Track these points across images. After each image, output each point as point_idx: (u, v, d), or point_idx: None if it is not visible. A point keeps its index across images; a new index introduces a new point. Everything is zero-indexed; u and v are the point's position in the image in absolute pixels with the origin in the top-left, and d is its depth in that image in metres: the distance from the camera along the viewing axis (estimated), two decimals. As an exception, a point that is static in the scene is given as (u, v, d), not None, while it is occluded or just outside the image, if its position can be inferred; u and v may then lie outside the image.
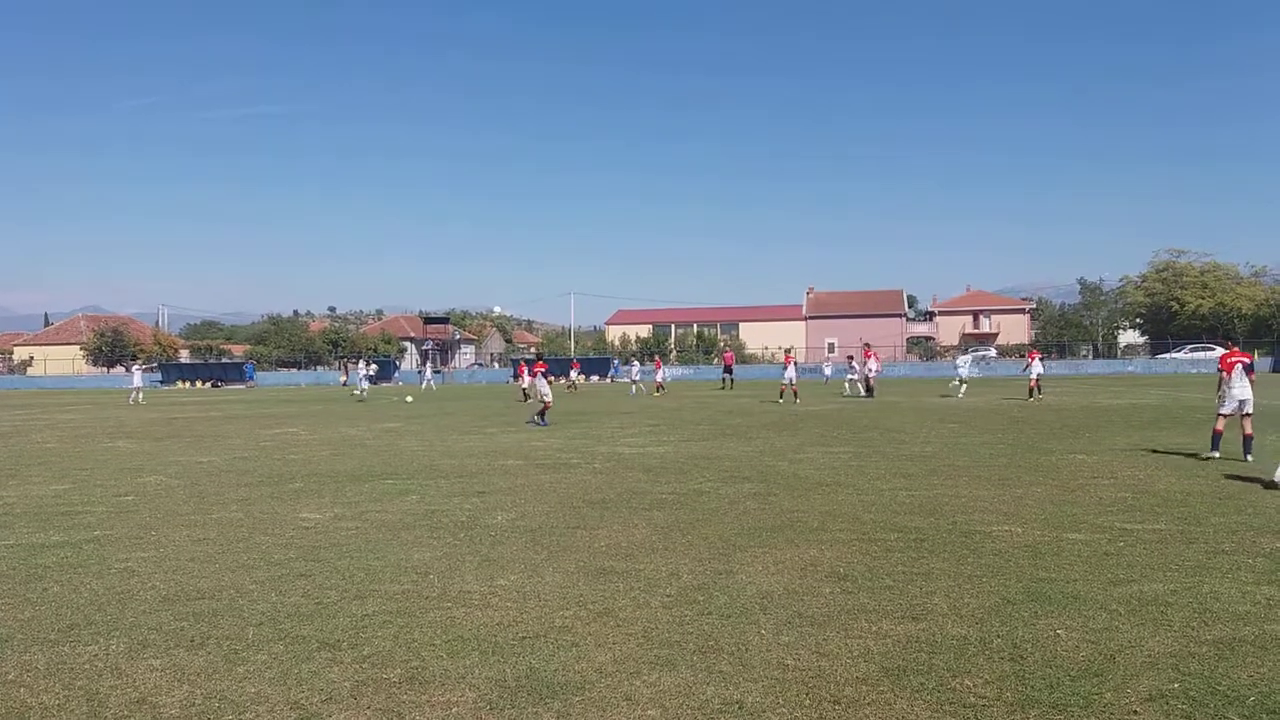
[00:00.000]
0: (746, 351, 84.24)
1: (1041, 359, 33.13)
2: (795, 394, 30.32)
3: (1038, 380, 31.04)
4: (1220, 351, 62.33)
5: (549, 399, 22.63)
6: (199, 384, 75.76)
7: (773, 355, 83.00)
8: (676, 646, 5.09)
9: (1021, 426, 19.06)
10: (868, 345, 38.05)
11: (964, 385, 33.80)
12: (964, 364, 35.41)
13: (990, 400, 30.32)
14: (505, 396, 37.21)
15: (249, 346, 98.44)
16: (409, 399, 38.52)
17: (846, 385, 38.18)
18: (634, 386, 44.24)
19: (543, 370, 23.33)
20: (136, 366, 48.94)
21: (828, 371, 53.71)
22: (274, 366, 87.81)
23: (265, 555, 7.60)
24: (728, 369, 46.86)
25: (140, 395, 42.51)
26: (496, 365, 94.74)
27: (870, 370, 33.77)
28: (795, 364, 31.60)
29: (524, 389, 36.06)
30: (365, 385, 41.35)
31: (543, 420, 21.94)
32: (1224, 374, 13.32)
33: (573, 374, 50.14)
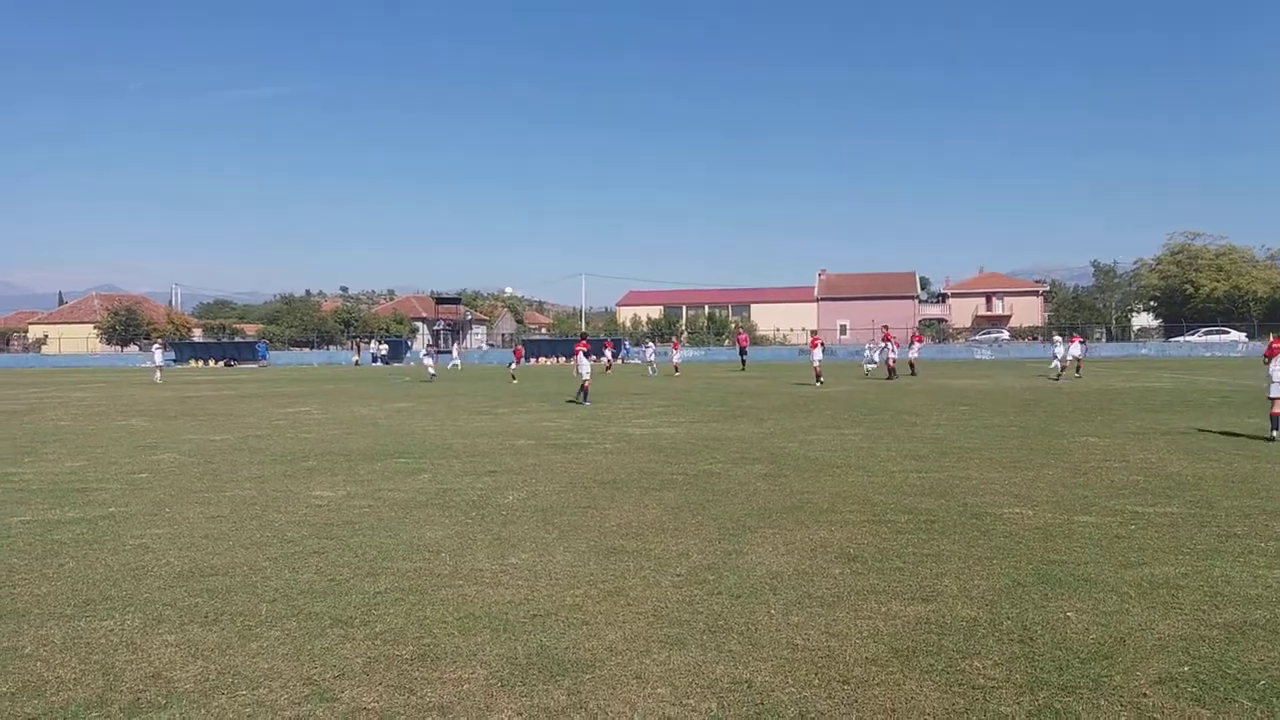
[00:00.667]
0: (758, 333, 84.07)
1: (1083, 343, 35.23)
2: (818, 376, 30.01)
3: (1068, 361, 32.73)
4: (1235, 335, 61.76)
5: (586, 378, 22.86)
6: (212, 363, 76.06)
7: (784, 337, 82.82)
8: (686, 625, 5.12)
9: (1033, 409, 18.99)
10: (886, 328, 38.13)
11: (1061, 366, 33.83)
12: (1060, 342, 35.52)
13: (1002, 382, 30.22)
14: (519, 377, 37.24)
15: (261, 326, 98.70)
16: (432, 372, 38.98)
17: (867, 368, 38.12)
18: (650, 367, 44.25)
19: (584, 350, 23.59)
20: (156, 346, 49.16)
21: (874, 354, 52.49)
22: (286, 346, 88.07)
23: (279, 533, 7.66)
24: (742, 350, 46.91)
25: (156, 374, 42.82)
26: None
27: (890, 353, 33.73)
28: (822, 345, 31.49)
29: (512, 372, 36.99)
30: (429, 363, 40.96)
31: (584, 399, 22.24)
32: (1266, 360, 14.10)
33: (607, 354, 49.80)
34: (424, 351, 44.66)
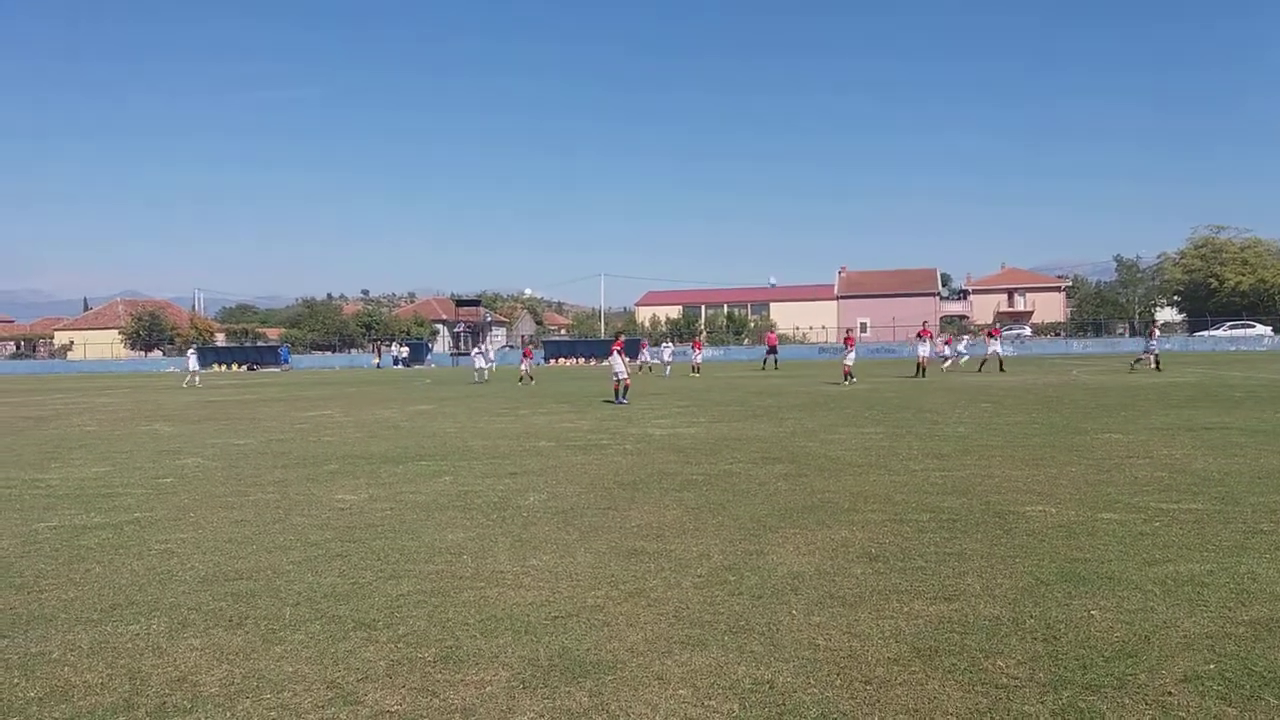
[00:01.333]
0: (777, 332, 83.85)
1: (1160, 336, 36.44)
2: (849, 375, 29.81)
3: (1155, 355, 33.72)
4: (1260, 329, 61.55)
5: (626, 377, 23.02)
6: (234, 367, 76.77)
7: (804, 335, 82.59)
8: (708, 626, 5.11)
9: (1056, 406, 18.85)
10: (925, 324, 38.10)
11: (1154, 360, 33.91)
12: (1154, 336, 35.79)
13: (1025, 379, 30.01)
14: (538, 378, 37.35)
15: (283, 330, 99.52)
16: (477, 377, 38.90)
17: (961, 362, 38.71)
18: (666, 368, 44.25)
19: (619, 349, 23.78)
20: (191, 351, 49.93)
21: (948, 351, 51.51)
22: (308, 349, 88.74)
23: (302, 536, 7.72)
24: (771, 350, 46.24)
25: (190, 379, 43.58)
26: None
27: (926, 352, 33.55)
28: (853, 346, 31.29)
29: (527, 372, 36.78)
30: (483, 365, 40.86)
31: (622, 398, 22.38)
32: None
33: (645, 354, 49.27)
34: (475, 352, 44.27)
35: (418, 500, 9.36)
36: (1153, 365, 33.15)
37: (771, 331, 56.88)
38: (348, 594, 5.92)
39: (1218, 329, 67.36)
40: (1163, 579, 5.77)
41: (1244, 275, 72.91)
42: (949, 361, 38.01)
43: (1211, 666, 4.32)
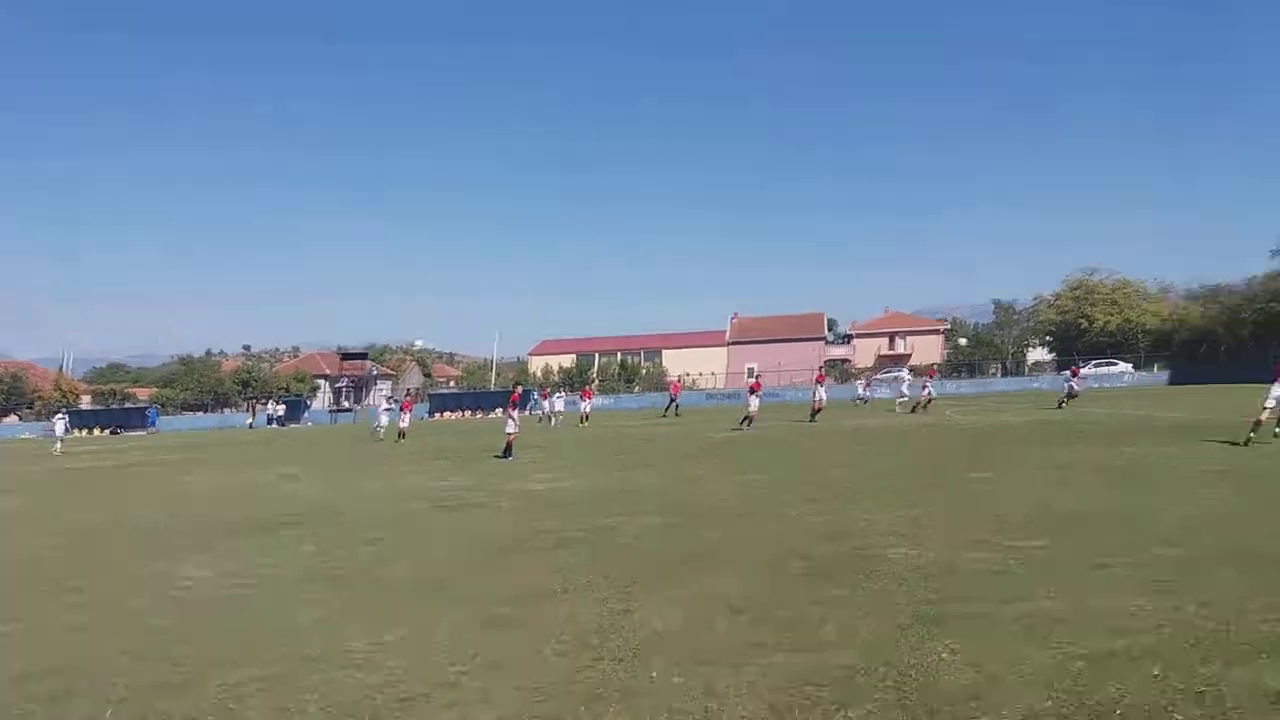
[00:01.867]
0: (667, 379, 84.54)
1: (1080, 374, 37.61)
2: (749, 420, 29.74)
3: (1071, 392, 34.72)
4: (1121, 366, 64.97)
5: (514, 431, 22.21)
6: (98, 431, 72.76)
7: (693, 381, 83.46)
8: (564, 698, 4.96)
9: (928, 448, 19.39)
10: (820, 369, 39.27)
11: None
12: (1067, 376, 36.99)
13: (903, 421, 30.89)
14: (409, 434, 36.50)
15: (155, 390, 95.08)
16: (382, 436, 36.89)
17: (899, 402, 40.04)
18: (554, 418, 43.86)
19: (515, 401, 22.73)
20: (59, 416, 47.53)
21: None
22: (179, 410, 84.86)
23: (139, 621, 7.21)
24: (673, 399, 48.16)
25: (56, 446, 41.35)
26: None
27: (821, 397, 33.99)
28: (759, 392, 31.43)
29: (400, 429, 35.43)
30: (383, 422, 39.04)
31: (509, 454, 21.64)
32: (1277, 380, 16.50)
33: (545, 404, 47.28)
34: (383, 406, 42.78)
35: (272, 574, 8.88)
36: (1065, 402, 34.47)
37: (676, 381, 57.77)
38: (179, 686, 5.51)
39: (1083, 367, 70.74)
40: (1014, 617, 5.89)
41: (1112, 315, 76.68)
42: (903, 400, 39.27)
43: (1049, 704, 4.40)
